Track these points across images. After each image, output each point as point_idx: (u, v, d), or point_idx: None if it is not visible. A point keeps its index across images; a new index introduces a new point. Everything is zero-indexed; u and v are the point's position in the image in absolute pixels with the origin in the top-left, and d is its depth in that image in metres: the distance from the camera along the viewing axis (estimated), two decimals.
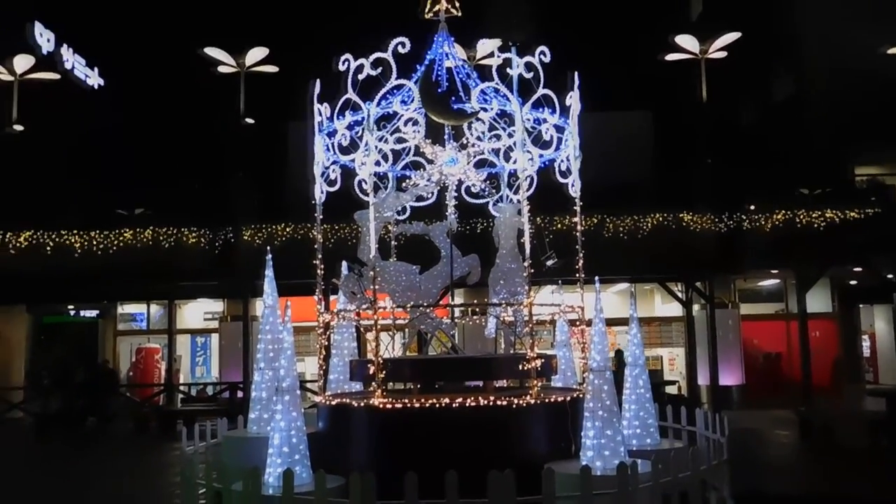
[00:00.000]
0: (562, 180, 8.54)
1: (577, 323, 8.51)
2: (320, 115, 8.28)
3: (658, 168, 21.77)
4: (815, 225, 17.95)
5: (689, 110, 21.91)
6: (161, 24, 25.40)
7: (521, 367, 7.48)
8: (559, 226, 15.85)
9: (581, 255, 8.33)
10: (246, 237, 17.93)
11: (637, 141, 21.83)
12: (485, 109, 8.13)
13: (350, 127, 8.09)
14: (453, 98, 8.03)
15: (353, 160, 8.30)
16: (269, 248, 9.08)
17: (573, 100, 8.19)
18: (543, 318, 8.63)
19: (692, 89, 21.09)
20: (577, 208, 8.50)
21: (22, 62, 22.92)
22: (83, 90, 24.99)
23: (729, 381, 18.60)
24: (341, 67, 7.85)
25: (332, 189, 8.58)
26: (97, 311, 21.53)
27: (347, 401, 7.62)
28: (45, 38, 23.53)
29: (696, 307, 19.00)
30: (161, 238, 18.05)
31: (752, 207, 18.56)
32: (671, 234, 18.00)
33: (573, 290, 8.48)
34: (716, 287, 18.60)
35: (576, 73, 8.16)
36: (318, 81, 8.19)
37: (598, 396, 6.76)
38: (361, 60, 7.79)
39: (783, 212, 18.15)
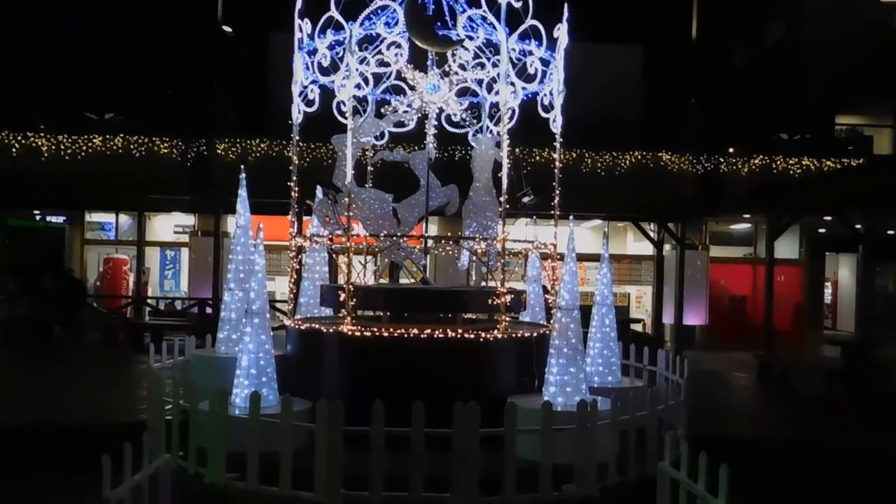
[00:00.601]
0: (544, 115, 8.43)
1: (549, 258, 8.55)
2: (301, 31, 8.02)
3: (642, 105, 21.56)
4: (792, 172, 18.04)
5: (678, 48, 21.55)
6: None
7: (490, 301, 7.54)
8: (538, 158, 15.78)
9: (558, 191, 8.30)
10: (220, 151, 17.57)
11: (624, 76, 21.46)
12: (470, 38, 7.92)
13: (331, 47, 7.86)
14: (439, 24, 7.81)
15: (332, 81, 8.09)
16: (243, 165, 8.92)
17: (561, 32, 8.01)
18: (516, 250, 8.66)
19: (684, 27, 20.69)
20: (558, 144, 8.42)
21: None
22: None
23: (693, 321, 18.99)
24: None
25: (310, 109, 8.39)
26: (65, 218, 21.15)
27: (317, 326, 7.65)
28: None
29: (666, 247, 19.20)
30: (132, 147, 17.61)
31: (732, 151, 18.55)
32: (649, 173, 17.98)
33: (547, 223, 8.48)
34: (687, 228, 18.75)
35: (566, 6, 7.96)
36: None
37: (563, 334, 6.86)
38: None
39: (760, 157, 18.18)
